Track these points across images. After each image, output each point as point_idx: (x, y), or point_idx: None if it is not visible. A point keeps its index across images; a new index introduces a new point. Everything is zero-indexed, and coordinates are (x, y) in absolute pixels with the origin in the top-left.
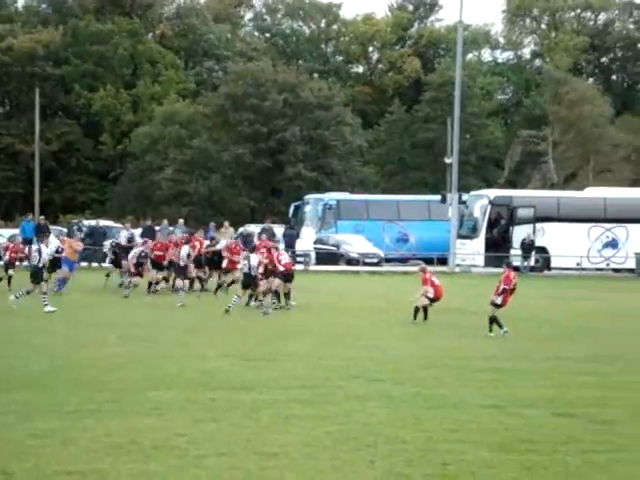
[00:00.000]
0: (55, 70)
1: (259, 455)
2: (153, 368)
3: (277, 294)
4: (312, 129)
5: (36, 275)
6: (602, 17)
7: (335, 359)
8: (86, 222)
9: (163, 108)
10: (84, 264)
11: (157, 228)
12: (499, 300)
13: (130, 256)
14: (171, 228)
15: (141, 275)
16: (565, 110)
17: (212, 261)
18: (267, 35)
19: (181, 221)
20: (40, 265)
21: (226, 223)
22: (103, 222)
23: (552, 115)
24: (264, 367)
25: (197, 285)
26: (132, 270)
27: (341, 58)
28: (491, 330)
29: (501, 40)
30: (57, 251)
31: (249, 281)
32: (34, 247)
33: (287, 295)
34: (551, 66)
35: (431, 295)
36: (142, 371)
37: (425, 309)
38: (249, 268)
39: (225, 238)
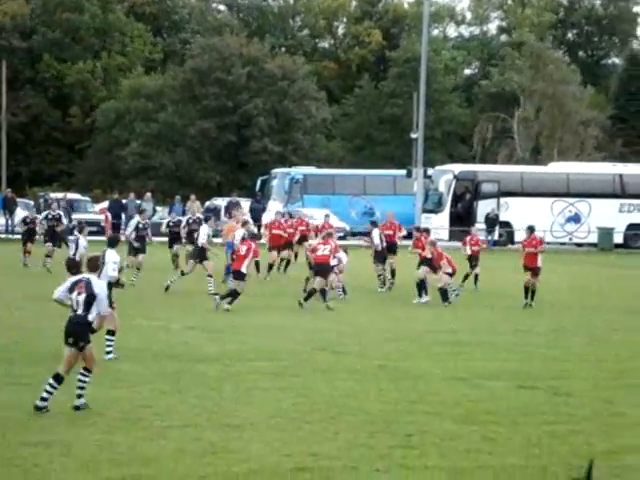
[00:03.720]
0: (22, 43)
1: (223, 427)
2: (118, 340)
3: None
4: (277, 102)
5: None
6: None
7: (300, 331)
8: (53, 195)
9: (130, 81)
10: None
11: (124, 201)
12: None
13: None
14: (138, 201)
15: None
16: (543, 84)
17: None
18: (235, 9)
19: (148, 194)
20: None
21: (192, 196)
22: (70, 195)
23: (528, 89)
24: (228, 339)
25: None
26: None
27: (307, 32)
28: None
29: (468, 15)
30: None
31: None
32: None
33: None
34: (521, 36)
35: (450, 270)
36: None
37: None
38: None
39: (193, 210)
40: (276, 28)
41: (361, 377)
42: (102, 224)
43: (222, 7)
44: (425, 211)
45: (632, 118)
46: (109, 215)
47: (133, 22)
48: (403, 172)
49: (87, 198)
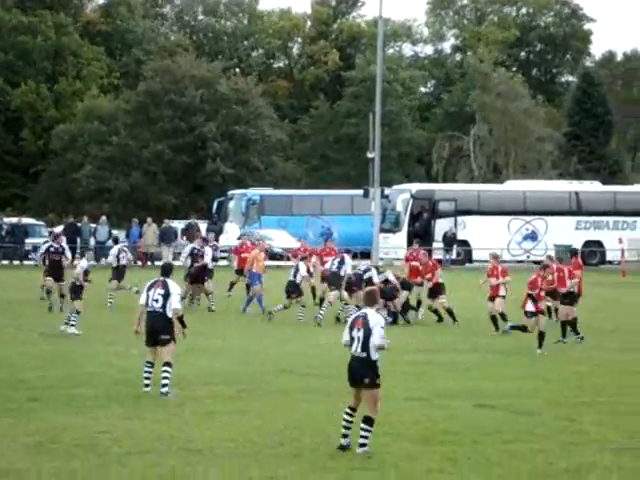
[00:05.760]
0: None
1: (183, 452)
2: (75, 366)
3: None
4: (231, 124)
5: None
6: (524, 11)
7: (260, 354)
8: (7, 220)
9: (85, 103)
10: (5, 262)
11: (79, 225)
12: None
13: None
14: (93, 225)
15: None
16: (494, 101)
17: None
18: (188, 30)
19: (103, 218)
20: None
21: (149, 219)
22: (25, 220)
23: (479, 107)
24: (187, 363)
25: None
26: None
27: (259, 53)
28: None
29: (425, 32)
30: None
31: (292, 288)
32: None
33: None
34: (474, 59)
35: (504, 293)
36: (64, 369)
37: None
38: (294, 276)
39: (149, 233)
40: (230, 49)
41: (321, 398)
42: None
43: (175, 28)
44: (383, 231)
45: (586, 135)
46: (63, 239)
47: (88, 45)
48: (360, 192)
49: (41, 222)
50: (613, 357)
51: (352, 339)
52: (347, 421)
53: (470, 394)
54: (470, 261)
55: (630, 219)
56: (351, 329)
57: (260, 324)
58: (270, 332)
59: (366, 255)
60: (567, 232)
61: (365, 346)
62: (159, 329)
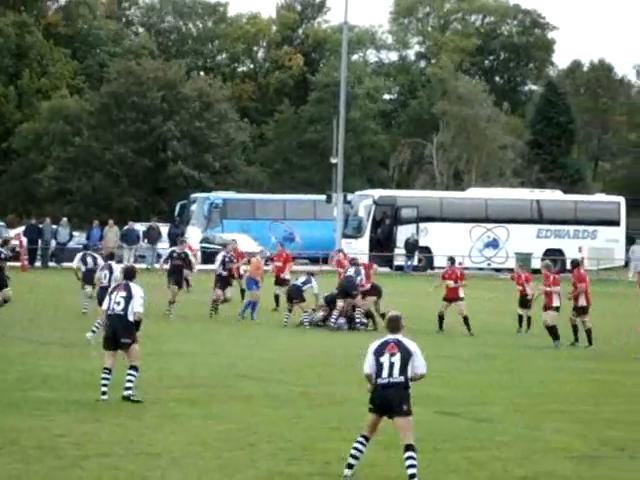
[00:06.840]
0: None
1: (141, 455)
2: (34, 368)
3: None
4: (193, 127)
5: None
6: (487, 20)
7: (220, 358)
8: None
9: (50, 103)
10: None
11: (41, 226)
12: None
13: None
14: (54, 226)
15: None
16: (455, 107)
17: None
18: (153, 33)
19: (64, 219)
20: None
21: (110, 221)
22: None
23: (441, 114)
24: (147, 367)
25: None
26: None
27: (223, 57)
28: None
29: (389, 39)
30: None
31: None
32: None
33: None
34: (434, 68)
35: (558, 304)
36: (22, 371)
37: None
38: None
39: (110, 235)
40: (195, 52)
41: (281, 404)
42: (17, 249)
43: (140, 29)
44: (345, 236)
45: (548, 144)
46: (24, 240)
47: (52, 45)
48: (323, 197)
49: (1, 223)
50: (576, 365)
51: (380, 365)
52: (358, 450)
53: (431, 401)
54: (432, 268)
55: (590, 228)
56: (378, 355)
57: (225, 329)
58: (235, 337)
59: (328, 261)
60: (528, 240)
61: (403, 371)
62: (120, 332)
